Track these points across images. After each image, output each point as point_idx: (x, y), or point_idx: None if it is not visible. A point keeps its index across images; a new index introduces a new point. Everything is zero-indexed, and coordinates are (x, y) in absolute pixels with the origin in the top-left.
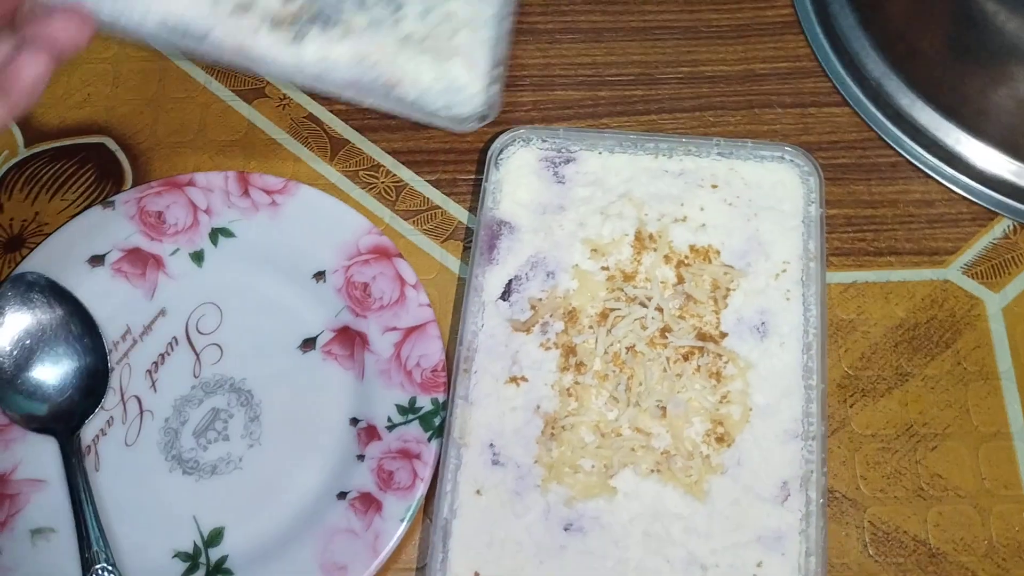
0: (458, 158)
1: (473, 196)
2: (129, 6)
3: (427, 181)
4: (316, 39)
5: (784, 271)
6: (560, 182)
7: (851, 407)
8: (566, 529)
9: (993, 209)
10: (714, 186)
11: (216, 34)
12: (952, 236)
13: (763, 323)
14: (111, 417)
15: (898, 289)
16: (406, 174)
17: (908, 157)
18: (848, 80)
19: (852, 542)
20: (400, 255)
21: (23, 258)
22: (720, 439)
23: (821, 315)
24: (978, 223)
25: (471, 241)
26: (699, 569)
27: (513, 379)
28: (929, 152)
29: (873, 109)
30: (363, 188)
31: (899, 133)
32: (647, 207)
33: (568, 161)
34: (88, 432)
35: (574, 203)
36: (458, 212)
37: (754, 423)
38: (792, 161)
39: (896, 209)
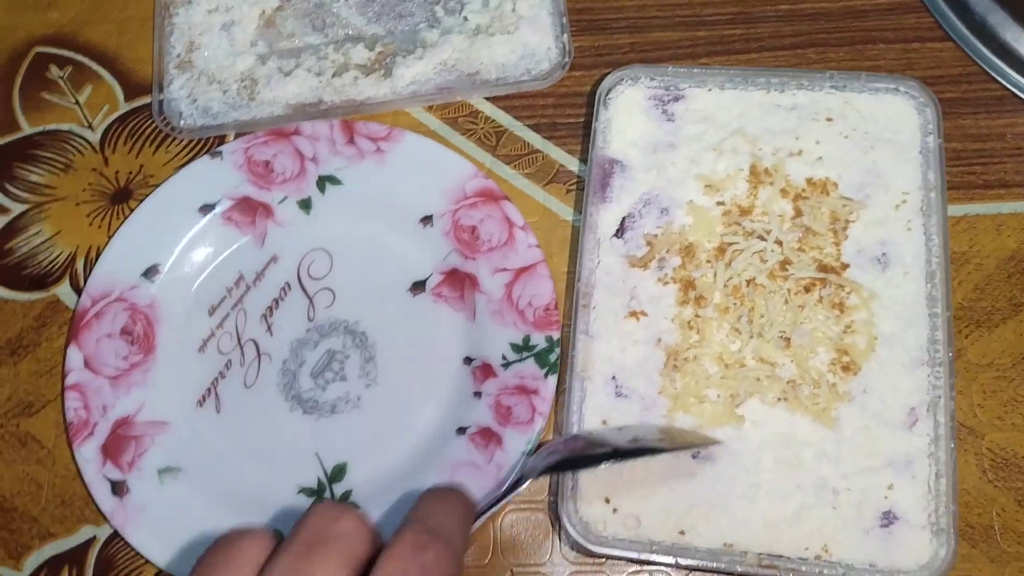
0: (557, 102)
1: (574, 139)
2: (259, 109)
3: (527, 126)
4: (402, 68)
5: (904, 202)
6: (669, 120)
7: (966, 338)
8: (694, 457)
9: None
10: (829, 119)
11: (326, 98)
12: None
13: (884, 254)
14: (229, 360)
15: (1009, 221)
16: (505, 119)
17: (1014, 90)
18: (951, 14)
19: (971, 468)
20: (507, 198)
21: (131, 210)
22: (846, 368)
23: (944, 245)
24: None
25: (574, 184)
26: (830, 493)
27: (633, 314)
28: None
29: (977, 43)
30: (463, 135)
31: (1004, 67)
32: (761, 142)
33: (677, 99)
34: (207, 375)
35: (685, 140)
36: (559, 155)
37: (880, 352)
38: (907, 93)
39: (1004, 142)
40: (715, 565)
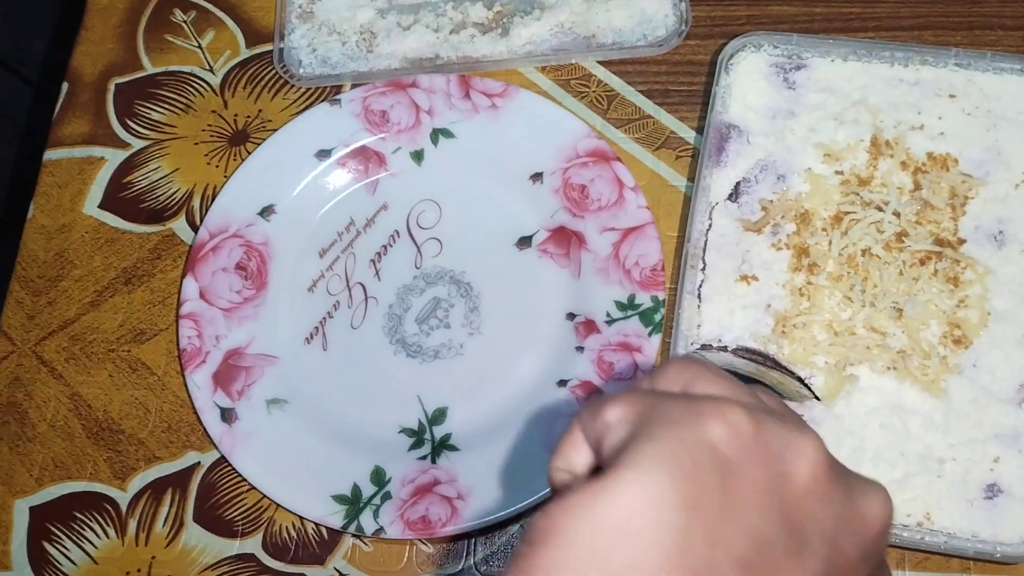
0: (671, 69)
1: (686, 106)
2: (376, 61)
3: (639, 91)
4: (519, 28)
5: None
6: (790, 88)
7: None
8: None
9: None
10: (952, 96)
11: (443, 54)
12: None
13: (1001, 231)
14: (337, 301)
15: None
16: (617, 83)
17: None
18: None
19: None
20: (618, 158)
21: (248, 152)
22: (957, 341)
23: None
24: None
25: (685, 150)
26: (935, 462)
27: (743, 277)
28: None
29: None
30: (575, 97)
31: None
32: (883, 114)
33: (799, 67)
34: (315, 314)
35: (805, 109)
36: (670, 121)
37: (992, 327)
38: None
39: None
40: None
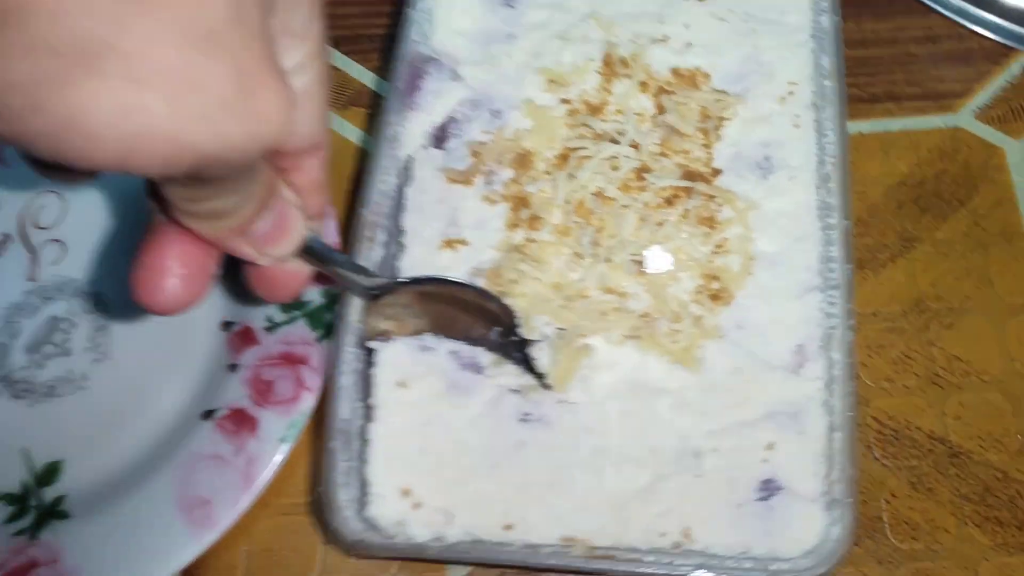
0: (363, 11)
1: (380, 55)
2: None
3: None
4: None
5: (791, 93)
6: (509, 5)
7: None
8: (523, 420)
9: (1010, 44)
10: None
11: None
12: (962, 76)
13: (767, 157)
14: None
15: (899, 141)
16: None
17: None
18: None
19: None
20: None
21: None
22: (715, 297)
23: (841, 140)
24: (991, 60)
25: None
26: (692, 457)
27: (449, 243)
28: None
29: None
30: None
31: None
32: (617, 27)
33: None
34: None
35: (527, 29)
36: (361, 74)
37: (758, 275)
38: None
39: (894, 48)
40: (536, 562)
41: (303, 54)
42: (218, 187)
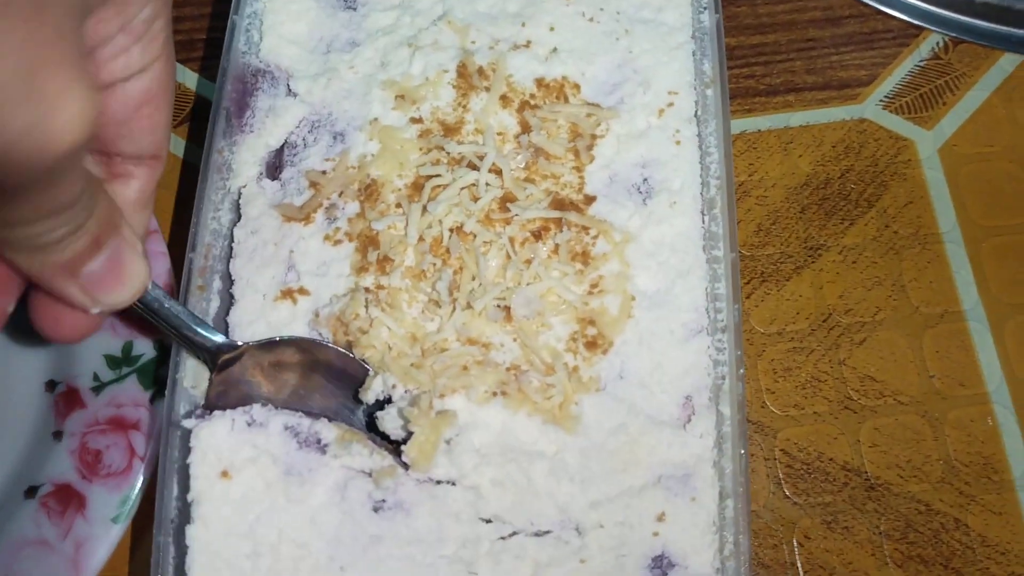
0: (199, 12)
1: (214, 58)
2: None
3: None
4: None
5: (671, 104)
6: (350, 7)
7: (747, 298)
8: (376, 509)
9: (917, 23)
10: None
11: None
12: (867, 62)
13: (645, 179)
14: None
15: (800, 136)
16: None
17: None
18: None
19: (761, 480)
20: None
21: None
22: (592, 344)
23: (726, 159)
24: (899, 42)
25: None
26: (575, 535)
27: (287, 293)
28: None
29: None
30: None
31: None
32: (474, 31)
33: None
34: None
35: (371, 35)
36: (192, 81)
37: (639, 318)
38: None
39: (791, 32)
40: None
41: (144, 55)
42: (34, 206)
